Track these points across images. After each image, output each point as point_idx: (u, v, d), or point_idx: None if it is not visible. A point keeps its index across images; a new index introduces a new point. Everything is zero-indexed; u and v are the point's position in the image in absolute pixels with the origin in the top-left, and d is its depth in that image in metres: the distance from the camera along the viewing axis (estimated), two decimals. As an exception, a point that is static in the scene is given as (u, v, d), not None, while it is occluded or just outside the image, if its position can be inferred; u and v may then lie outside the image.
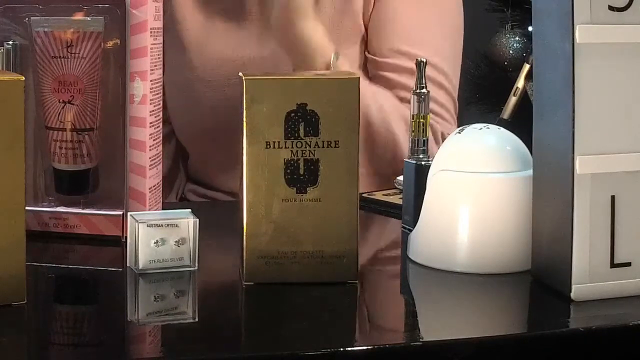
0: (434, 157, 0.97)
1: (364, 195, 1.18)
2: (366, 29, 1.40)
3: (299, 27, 1.26)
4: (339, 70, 1.28)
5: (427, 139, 1.05)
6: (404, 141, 1.32)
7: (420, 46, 1.36)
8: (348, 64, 1.34)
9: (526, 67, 1.69)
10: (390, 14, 1.39)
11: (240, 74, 0.88)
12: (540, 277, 0.87)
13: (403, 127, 1.33)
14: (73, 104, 1.01)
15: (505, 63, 2.31)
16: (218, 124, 1.39)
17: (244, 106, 0.86)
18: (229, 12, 1.38)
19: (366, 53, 1.40)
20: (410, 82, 1.35)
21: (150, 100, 1.01)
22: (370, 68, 1.40)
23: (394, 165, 1.31)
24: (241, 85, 0.86)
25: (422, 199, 0.95)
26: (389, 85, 1.37)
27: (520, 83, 1.70)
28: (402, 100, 1.36)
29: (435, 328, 0.82)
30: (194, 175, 1.50)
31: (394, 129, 1.32)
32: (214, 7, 1.39)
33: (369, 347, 0.74)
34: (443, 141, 1.00)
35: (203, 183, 1.48)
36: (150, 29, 1.00)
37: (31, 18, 1.01)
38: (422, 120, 1.05)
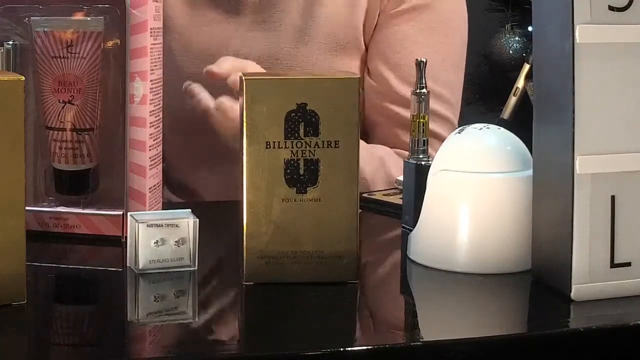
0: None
1: (364, 195, 1.18)
2: (366, 48, 1.34)
3: None
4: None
5: (427, 139, 1.05)
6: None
7: (433, 80, 1.26)
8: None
9: (526, 67, 1.70)
10: (397, 41, 1.33)
11: (241, 74, 0.88)
12: (540, 277, 0.87)
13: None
14: (73, 104, 1.01)
15: (505, 63, 2.32)
16: (196, 124, 1.36)
17: (244, 106, 0.85)
18: (219, 6, 1.35)
19: (369, 79, 1.35)
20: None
21: (150, 100, 1.01)
22: (375, 99, 1.35)
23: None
24: (241, 85, 0.86)
25: (422, 199, 0.95)
26: (395, 121, 1.33)
27: (520, 83, 1.70)
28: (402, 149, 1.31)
29: (435, 328, 0.82)
30: (170, 178, 1.46)
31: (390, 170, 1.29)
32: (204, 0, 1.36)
33: (369, 347, 0.74)
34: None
35: (180, 185, 1.44)
36: (150, 29, 1.00)
37: (31, 18, 1.01)
38: (422, 120, 1.05)
